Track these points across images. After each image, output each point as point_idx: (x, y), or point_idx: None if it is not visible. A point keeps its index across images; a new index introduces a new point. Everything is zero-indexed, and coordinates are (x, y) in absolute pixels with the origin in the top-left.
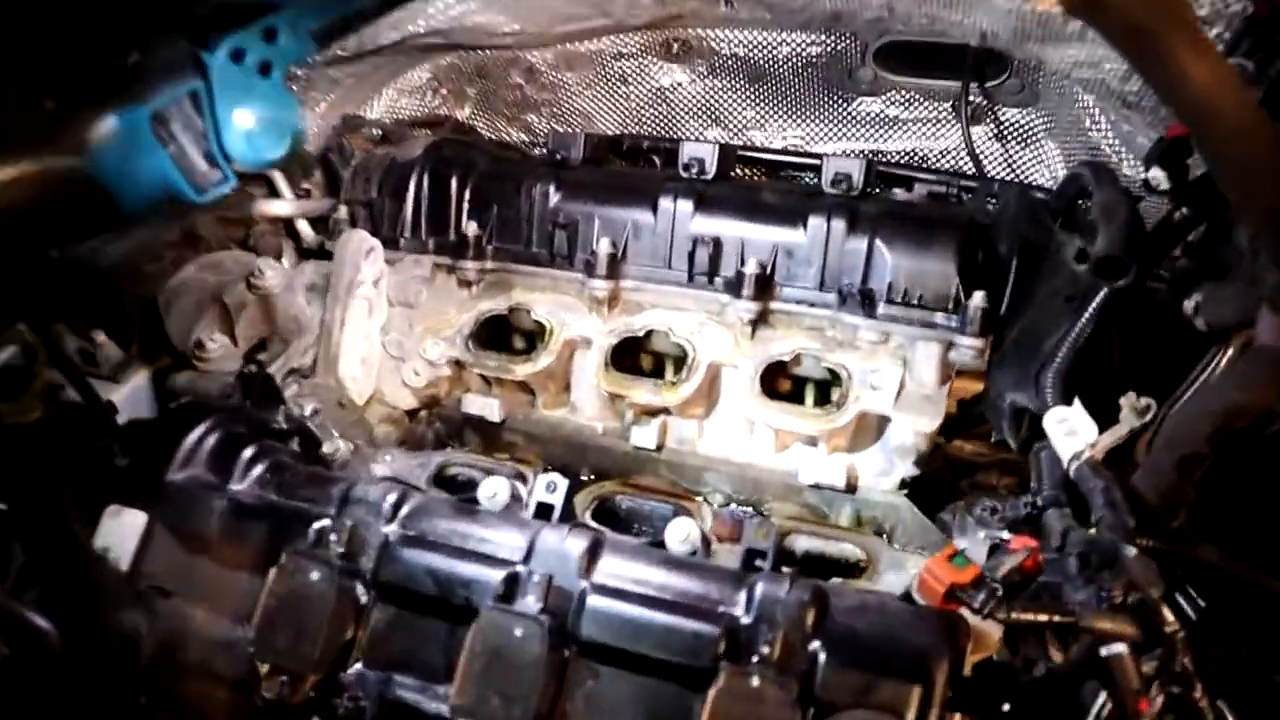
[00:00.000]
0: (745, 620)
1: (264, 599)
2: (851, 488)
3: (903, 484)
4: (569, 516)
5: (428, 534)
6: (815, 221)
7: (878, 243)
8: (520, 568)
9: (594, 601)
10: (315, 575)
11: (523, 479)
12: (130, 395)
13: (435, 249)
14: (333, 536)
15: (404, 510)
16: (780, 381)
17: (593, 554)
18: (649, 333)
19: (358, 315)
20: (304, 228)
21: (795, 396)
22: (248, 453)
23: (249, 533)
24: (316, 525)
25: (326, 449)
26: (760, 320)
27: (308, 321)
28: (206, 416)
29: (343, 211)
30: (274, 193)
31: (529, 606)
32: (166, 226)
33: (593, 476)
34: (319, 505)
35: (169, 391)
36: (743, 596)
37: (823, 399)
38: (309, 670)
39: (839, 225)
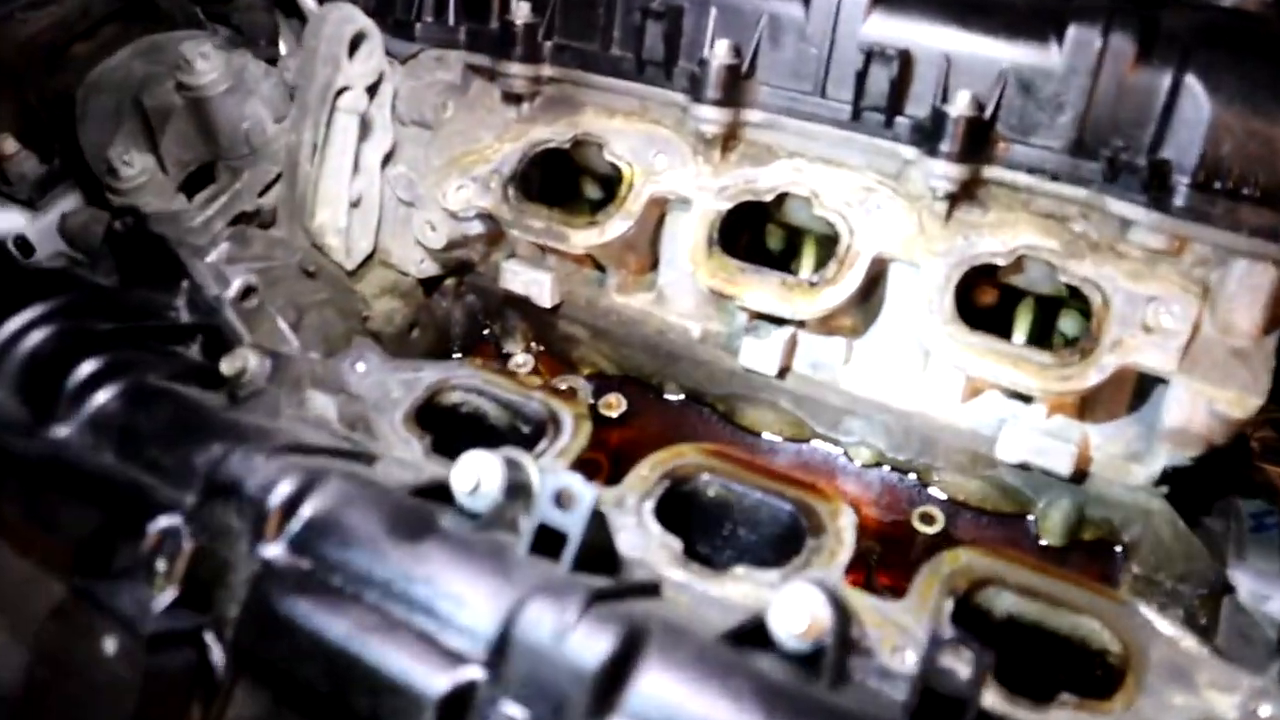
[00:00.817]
0: None
1: (27, 670)
2: (1080, 475)
3: (1163, 477)
4: (594, 534)
5: (334, 569)
6: (1079, 34)
7: (1189, 81)
8: (479, 674)
9: None
10: (109, 643)
11: (553, 427)
12: (53, 229)
13: (468, 42)
14: (160, 563)
15: (304, 512)
16: (982, 292)
17: (620, 666)
18: (781, 197)
19: (341, 137)
20: (309, 3)
21: (1000, 317)
22: (86, 369)
23: (58, 519)
24: (160, 524)
25: (225, 367)
26: (965, 194)
27: (265, 143)
28: (36, 298)
29: None
30: None
31: None
32: None
33: (682, 397)
34: (172, 485)
35: (65, 236)
36: None
37: (1043, 329)
38: None
39: (1122, 45)
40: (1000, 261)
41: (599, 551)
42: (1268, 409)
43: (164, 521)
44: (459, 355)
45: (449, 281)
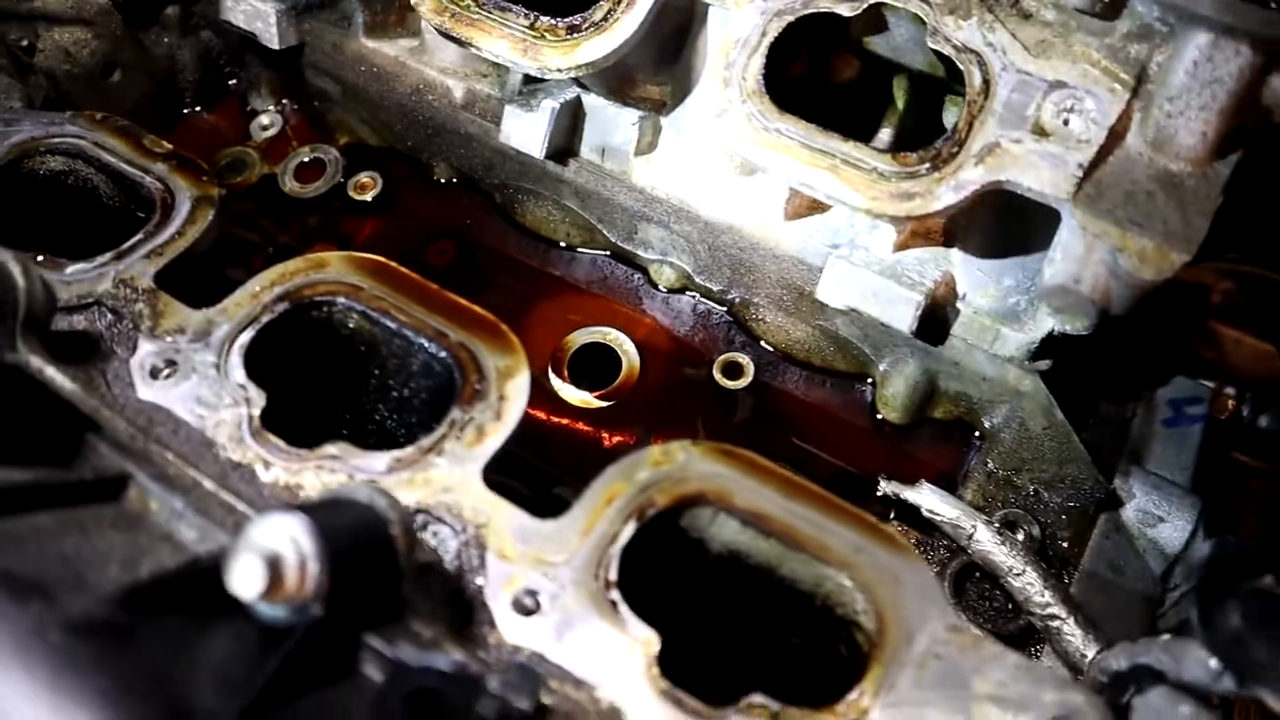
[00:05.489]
0: None
1: None
2: (934, 332)
3: (1044, 347)
4: None
5: None
6: None
7: None
8: None
9: None
10: None
11: (163, 212)
12: None
13: None
14: None
15: None
16: (841, 64)
17: None
18: None
19: None
20: None
21: (863, 104)
22: None
23: None
24: None
25: None
26: None
27: None
28: None
29: None
30: None
31: None
32: None
33: (454, 180)
34: None
35: None
36: None
37: (915, 123)
38: None
39: None
40: (843, 11)
41: None
42: (1233, 258)
43: None
44: (196, 110)
45: (171, 10)
